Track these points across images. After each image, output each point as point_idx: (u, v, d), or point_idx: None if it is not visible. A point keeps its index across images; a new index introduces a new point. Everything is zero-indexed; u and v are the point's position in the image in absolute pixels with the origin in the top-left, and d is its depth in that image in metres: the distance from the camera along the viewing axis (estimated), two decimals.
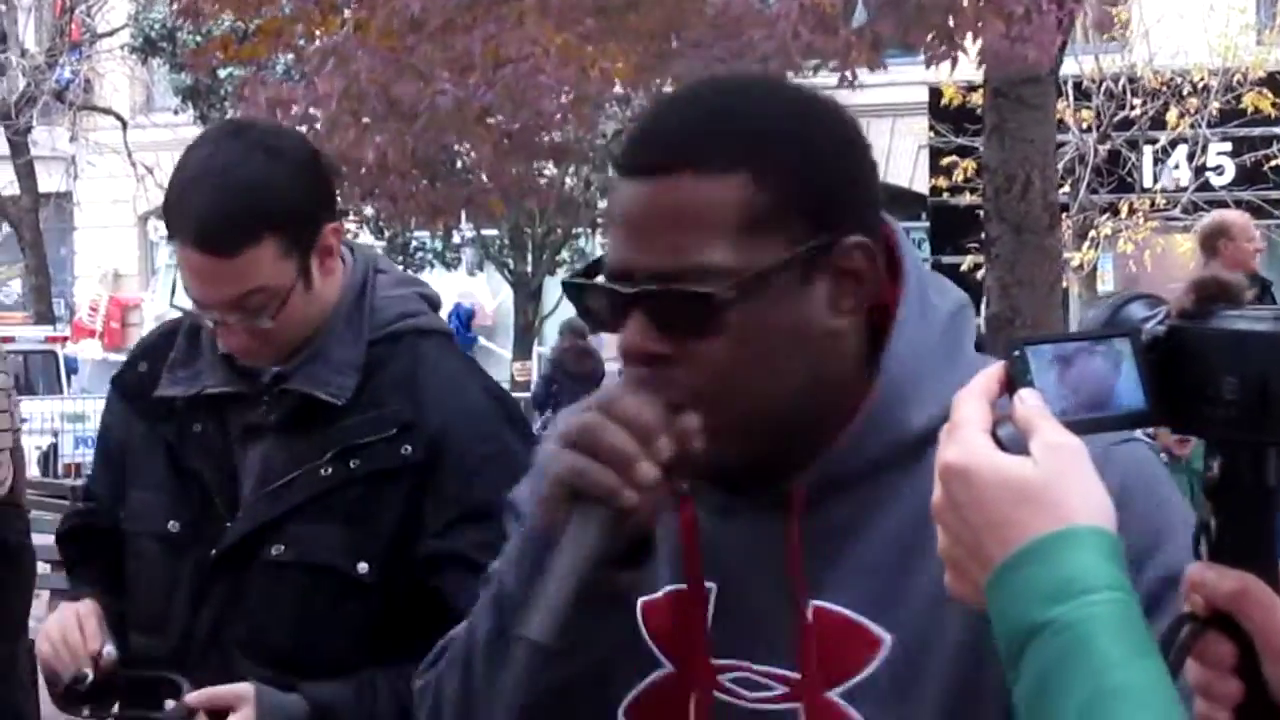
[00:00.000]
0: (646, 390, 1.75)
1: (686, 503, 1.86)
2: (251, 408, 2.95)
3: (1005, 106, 9.62)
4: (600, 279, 1.81)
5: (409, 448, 2.87)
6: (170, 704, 2.84)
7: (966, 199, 18.53)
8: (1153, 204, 20.05)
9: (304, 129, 11.53)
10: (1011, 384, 1.47)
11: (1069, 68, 15.01)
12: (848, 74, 10.10)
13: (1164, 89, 20.08)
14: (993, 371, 1.48)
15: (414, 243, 26.19)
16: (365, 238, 25.84)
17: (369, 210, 23.75)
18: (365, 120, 10.77)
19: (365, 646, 2.88)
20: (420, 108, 10.40)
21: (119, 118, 25.84)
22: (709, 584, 1.86)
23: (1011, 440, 1.42)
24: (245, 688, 2.81)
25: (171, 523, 2.97)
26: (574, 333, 18.62)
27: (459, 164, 15.13)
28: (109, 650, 2.91)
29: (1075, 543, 1.37)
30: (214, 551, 2.92)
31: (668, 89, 9.86)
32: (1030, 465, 1.40)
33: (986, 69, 9.83)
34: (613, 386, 1.81)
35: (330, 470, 2.88)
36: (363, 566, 2.86)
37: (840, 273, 1.78)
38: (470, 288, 28.45)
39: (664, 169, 1.76)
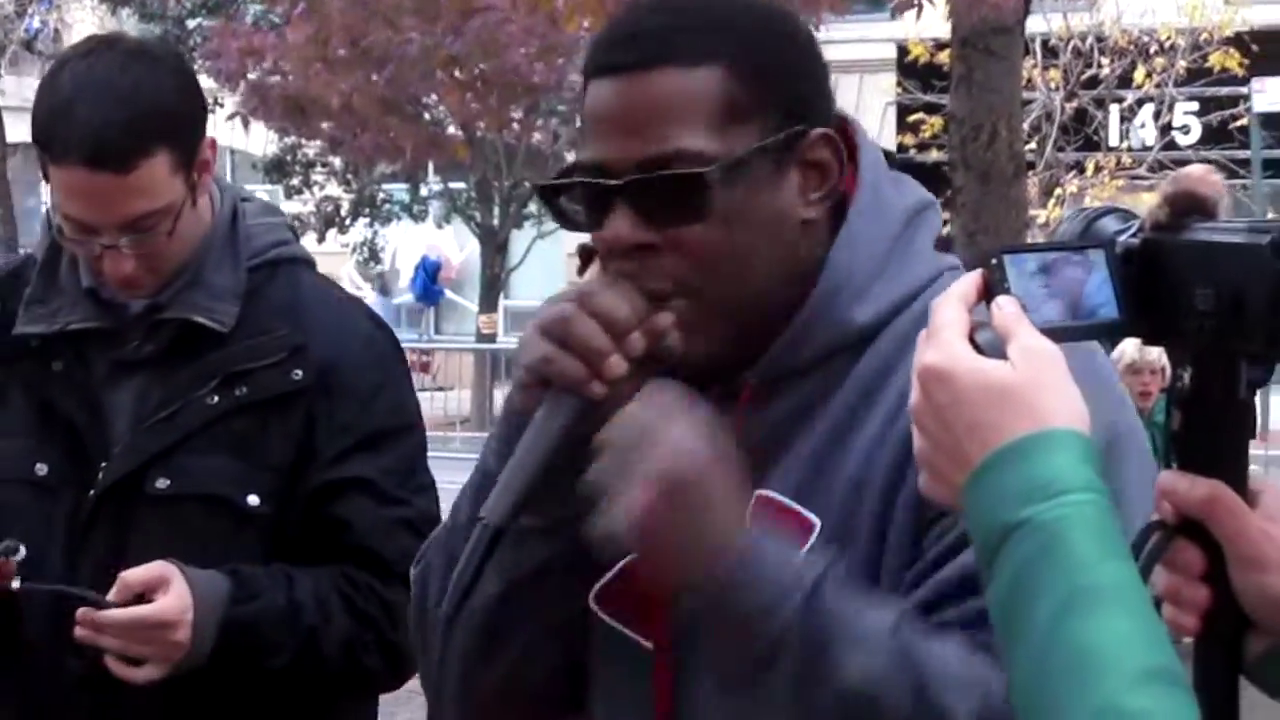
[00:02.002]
0: (627, 285, 1.79)
1: None
2: (116, 344, 2.80)
3: (973, 57, 9.63)
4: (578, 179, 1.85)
5: (299, 373, 2.77)
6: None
7: (933, 155, 18.53)
8: (1118, 162, 20.09)
9: (275, 79, 11.51)
10: (989, 291, 1.49)
11: (1037, 25, 15.01)
12: (813, 21, 10.11)
13: (1131, 48, 20.09)
14: (971, 278, 1.51)
15: (381, 195, 26.07)
16: (332, 189, 25.73)
17: (337, 162, 23.76)
18: (332, 60, 10.72)
19: None
20: (390, 54, 10.38)
21: None
22: None
23: (990, 345, 1.45)
24: (165, 567, 2.66)
25: (39, 466, 2.80)
26: None
27: (427, 116, 15.08)
28: (8, 544, 2.71)
29: (1052, 444, 1.39)
30: (92, 493, 2.76)
31: None
32: (1008, 369, 1.43)
33: (954, 19, 9.84)
34: (592, 280, 1.85)
35: (217, 398, 2.76)
36: (253, 499, 2.75)
37: (808, 164, 1.85)
38: (437, 240, 28.39)
39: (643, 64, 1.82)
